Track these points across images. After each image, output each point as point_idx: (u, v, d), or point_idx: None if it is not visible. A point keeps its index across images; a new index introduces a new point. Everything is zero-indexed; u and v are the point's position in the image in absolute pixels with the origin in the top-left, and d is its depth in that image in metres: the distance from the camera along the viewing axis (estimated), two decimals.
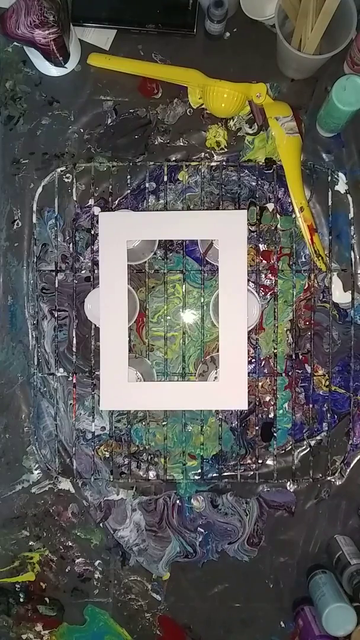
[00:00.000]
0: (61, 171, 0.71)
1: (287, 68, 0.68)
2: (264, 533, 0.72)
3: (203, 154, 0.71)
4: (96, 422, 0.72)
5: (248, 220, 0.64)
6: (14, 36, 0.65)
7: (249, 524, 0.71)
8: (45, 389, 0.72)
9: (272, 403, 0.70)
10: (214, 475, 0.71)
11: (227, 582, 0.73)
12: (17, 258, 0.72)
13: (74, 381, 0.72)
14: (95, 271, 0.70)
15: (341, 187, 0.69)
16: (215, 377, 0.64)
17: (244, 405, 0.62)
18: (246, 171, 0.70)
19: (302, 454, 0.71)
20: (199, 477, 0.72)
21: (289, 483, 0.71)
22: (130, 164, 0.71)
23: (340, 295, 0.70)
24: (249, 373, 0.68)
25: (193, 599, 0.73)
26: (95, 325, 0.70)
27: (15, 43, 0.70)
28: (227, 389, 0.61)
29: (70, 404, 0.72)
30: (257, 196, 0.70)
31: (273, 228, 0.70)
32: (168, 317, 0.71)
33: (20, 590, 0.73)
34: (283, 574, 0.72)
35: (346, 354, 0.70)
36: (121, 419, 0.72)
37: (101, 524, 0.73)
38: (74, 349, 0.71)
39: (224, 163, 0.70)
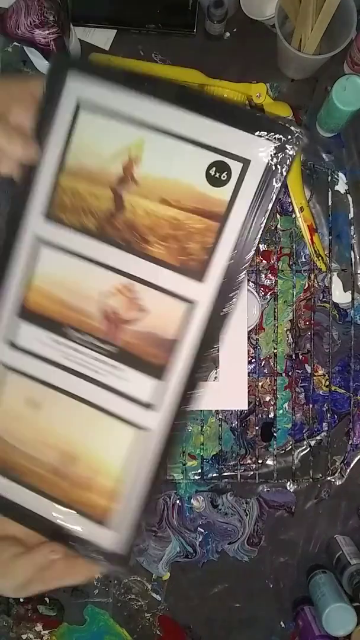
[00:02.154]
0: None
1: (287, 68, 0.68)
2: (264, 533, 0.72)
3: None
4: None
5: None
6: (14, 36, 0.65)
7: (249, 524, 0.71)
8: None
9: (272, 403, 0.70)
10: (214, 475, 0.71)
11: (227, 582, 0.73)
12: None
13: None
14: None
15: (341, 187, 0.69)
16: (215, 377, 0.64)
17: (244, 405, 0.62)
18: None
19: (302, 454, 0.71)
20: (199, 477, 0.71)
21: (289, 483, 0.71)
22: None
23: (340, 295, 0.70)
24: (249, 373, 0.68)
25: (193, 599, 0.73)
26: None
27: (15, 43, 0.70)
28: (227, 389, 0.61)
29: None
30: None
31: (273, 228, 0.70)
32: None
33: None
34: (283, 574, 0.72)
35: (346, 354, 0.70)
36: None
37: None
38: None
39: None
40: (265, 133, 0.48)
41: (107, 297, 0.52)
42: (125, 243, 0.51)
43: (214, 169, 0.49)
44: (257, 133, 0.48)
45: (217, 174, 0.49)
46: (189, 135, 0.50)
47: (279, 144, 0.47)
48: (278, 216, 0.70)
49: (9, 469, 0.54)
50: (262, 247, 0.70)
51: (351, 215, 0.69)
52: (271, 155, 0.47)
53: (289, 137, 0.47)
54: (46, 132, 0.51)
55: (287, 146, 0.47)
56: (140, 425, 0.52)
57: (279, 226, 0.70)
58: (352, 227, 0.70)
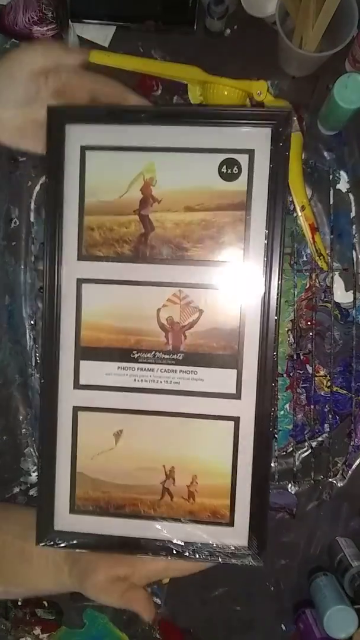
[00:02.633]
0: None
1: (288, 66, 0.67)
2: None
3: None
4: None
5: None
6: (12, 32, 0.64)
7: None
8: None
9: (273, 404, 0.70)
10: None
11: (228, 585, 0.72)
12: (15, 257, 0.71)
13: None
14: None
15: (343, 185, 0.69)
16: None
17: None
18: None
19: (303, 455, 0.70)
20: None
21: (290, 485, 0.70)
22: None
23: (342, 295, 0.69)
24: None
25: (193, 602, 0.72)
26: None
27: (13, 39, 0.69)
28: None
29: None
30: None
31: None
32: None
33: None
34: (284, 576, 0.72)
35: (348, 355, 0.70)
36: None
37: None
38: None
39: None
40: (258, 121, 0.52)
41: (161, 310, 0.54)
42: (164, 257, 0.54)
43: (224, 166, 0.53)
44: (251, 123, 0.52)
45: (228, 170, 0.53)
46: (193, 145, 0.53)
47: (273, 126, 0.51)
48: None
49: (113, 507, 0.55)
50: None
51: (353, 214, 0.69)
52: (270, 138, 0.51)
53: (280, 117, 0.51)
54: (59, 182, 0.54)
55: (281, 126, 0.51)
56: (231, 416, 0.53)
57: None
58: (354, 226, 0.69)
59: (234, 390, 0.53)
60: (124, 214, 0.54)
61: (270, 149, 0.52)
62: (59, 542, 0.54)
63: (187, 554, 0.52)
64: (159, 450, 0.54)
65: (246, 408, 0.53)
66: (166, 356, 0.54)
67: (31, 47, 0.54)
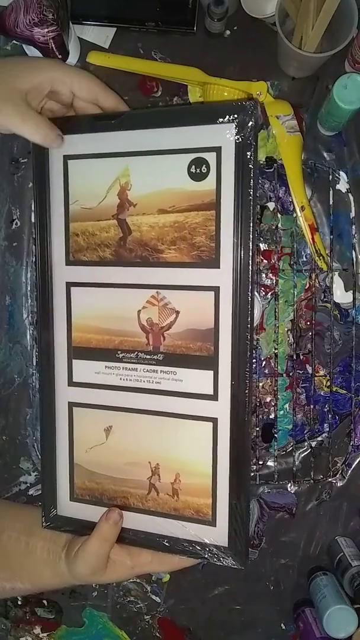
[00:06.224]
0: None
1: (288, 66, 0.67)
2: (265, 535, 0.71)
3: None
4: None
5: None
6: (13, 34, 0.65)
7: (250, 525, 0.71)
8: None
9: (273, 404, 0.70)
10: None
11: (228, 584, 0.72)
12: (16, 258, 0.72)
13: None
14: None
15: (342, 186, 0.69)
16: None
17: None
18: None
19: (303, 455, 0.71)
20: None
21: (289, 484, 0.70)
22: None
23: (341, 295, 0.69)
24: None
25: (193, 601, 0.72)
26: None
27: (14, 41, 0.69)
28: None
29: None
30: (258, 195, 0.69)
31: (274, 227, 0.69)
32: None
33: None
34: (284, 575, 0.72)
35: (347, 355, 0.70)
36: None
37: None
38: None
39: None
40: (223, 118, 0.50)
41: (141, 312, 0.55)
42: (142, 259, 0.55)
43: (193, 166, 0.53)
44: (216, 121, 0.51)
45: (197, 170, 0.53)
46: (162, 147, 0.54)
47: (238, 121, 0.50)
48: (279, 215, 0.69)
49: (106, 498, 0.57)
50: (262, 246, 0.70)
51: (352, 214, 0.69)
52: (235, 133, 0.50)
53: (245, 111, 0.50)
54: (46, 192, 0.56)
55: (246, 119, 0.50)
56: (209, 417, 0.53)
57: (279, 225, 0.69)
58: (354, 227, 0.69)
59: (211, 392, 0.53)
60: (103, 219, 0.55)
61: (235, 142, 0.50)
62: (61, 526, 0.57)
63: (172, 549, 0.53)
64: (145, 447, 0.55)
65: (223, 410, 0.52)
66: (147, 356, 0.55)
67: (27, 66, 0.55)
